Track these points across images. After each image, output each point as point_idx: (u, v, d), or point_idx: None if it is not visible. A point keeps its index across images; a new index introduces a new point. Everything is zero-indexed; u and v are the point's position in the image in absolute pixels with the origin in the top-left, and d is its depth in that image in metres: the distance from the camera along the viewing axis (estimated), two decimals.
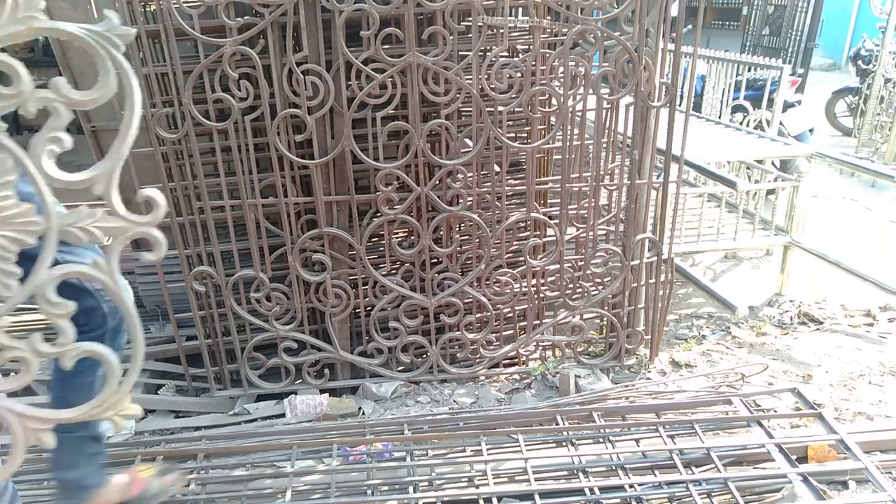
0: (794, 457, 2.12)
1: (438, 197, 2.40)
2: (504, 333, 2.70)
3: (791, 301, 3.49)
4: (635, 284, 2.67)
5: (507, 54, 2.36)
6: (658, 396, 2.55)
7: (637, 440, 2.17)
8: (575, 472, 2.03)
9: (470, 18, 2.25)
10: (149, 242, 0.90)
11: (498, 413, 2.42)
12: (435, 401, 2.53)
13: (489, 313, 2.58)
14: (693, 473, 2.00)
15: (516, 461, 2.06)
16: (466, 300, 2.58)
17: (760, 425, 2.19)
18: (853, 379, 2.73)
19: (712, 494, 1.94)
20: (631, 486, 1.95)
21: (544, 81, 2.38)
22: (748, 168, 4.11)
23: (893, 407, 2.52)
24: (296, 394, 2.56)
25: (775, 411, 2.42)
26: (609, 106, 2.45)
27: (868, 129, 6.72)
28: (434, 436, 2.21)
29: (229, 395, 2.67)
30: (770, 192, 4.06)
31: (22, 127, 7.79)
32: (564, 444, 2.16)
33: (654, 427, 2.19)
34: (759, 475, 2.01)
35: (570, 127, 2.47)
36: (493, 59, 2.25)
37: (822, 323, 3.25)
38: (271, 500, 1.97)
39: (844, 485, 2.03)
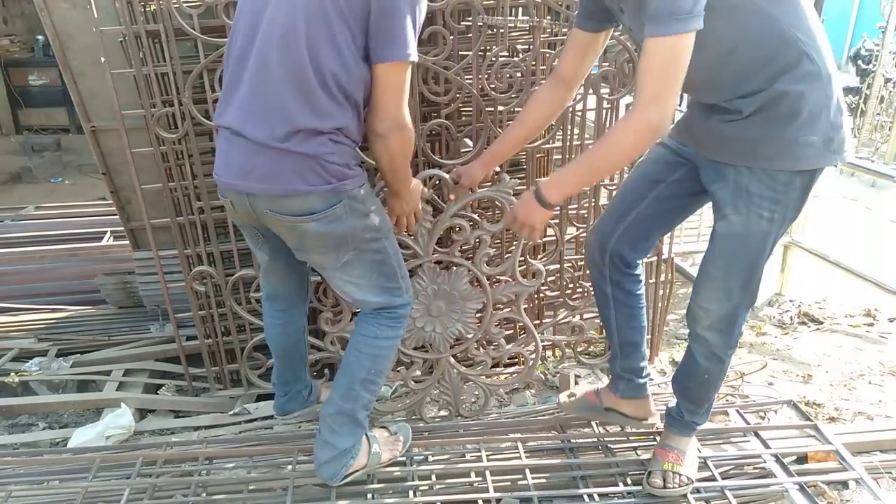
0: (793, 458, 2.13)
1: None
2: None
3: (791, 301, 3.49)
4: None
5: (507, 54, 2.36)
6: (657, 398, 2.54)
7: (635, 448, 2.18)
8: (574, 478, 2.04)
9: (470, 18, 2.25)
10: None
11: (498, 419, 2.42)
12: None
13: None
14: None
15: (516, 467, 2.07)
16: None
17: (757, 436, 2.20)
18: (853, 379, 2.73)
19: (710, 502, 1.95)
20: (630, 493, 1.96)
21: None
22: None
23: (893, 407, 2.52)
24: None
25: (775, 412, 2.43)
26: (609, 106, 2.45)
27: (868, 129, 6.72)
28: (434, 442, 2.22)
29: (229, 394, 2.66)
30: None
31: (22, 127, 7.81)
32: (564, 450, 2.17)
33: (652, 436, 2.20)
34: (756, 483, 2.02)
35: (570, 127, 2.47)
36: (494, 59, 2.25)
37: (822, 323, 3.26)
38: (272, 502, 1.97)
39: (845, 484, 2.04)
